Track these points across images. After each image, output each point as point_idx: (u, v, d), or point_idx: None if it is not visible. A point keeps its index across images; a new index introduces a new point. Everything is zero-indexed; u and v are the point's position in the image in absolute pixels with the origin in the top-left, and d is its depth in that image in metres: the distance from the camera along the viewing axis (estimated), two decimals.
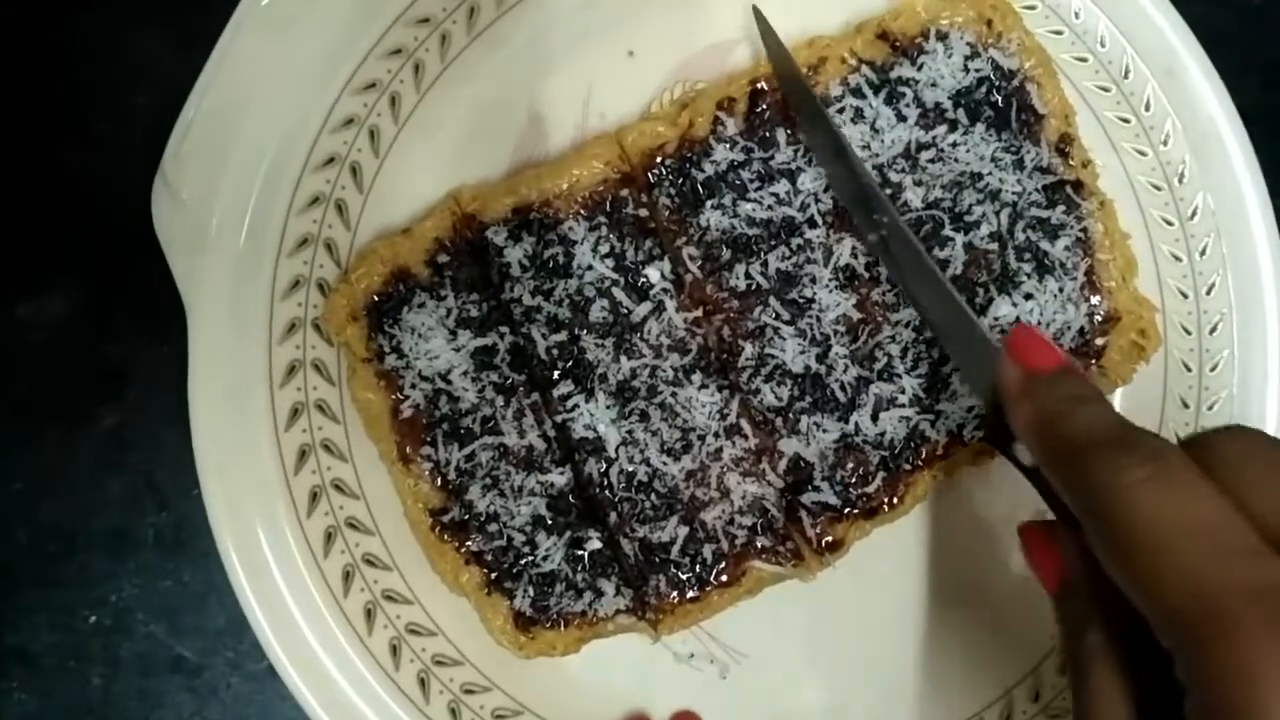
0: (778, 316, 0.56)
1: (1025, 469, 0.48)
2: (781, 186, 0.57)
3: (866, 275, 0.57)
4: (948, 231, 0.57)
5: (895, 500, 0.56)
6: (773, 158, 0.57)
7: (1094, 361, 0.57)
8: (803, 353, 0.56)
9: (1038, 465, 0.45)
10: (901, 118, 0.58)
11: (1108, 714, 0.39)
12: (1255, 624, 0.32)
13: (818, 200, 0.57)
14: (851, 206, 0.56)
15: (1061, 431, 0.42)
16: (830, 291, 0.56)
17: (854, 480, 0.56)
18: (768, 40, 0.57)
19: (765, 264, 0.56)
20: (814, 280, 0.56)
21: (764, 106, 0.57)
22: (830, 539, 0.55)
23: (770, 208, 0.57)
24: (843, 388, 0.56)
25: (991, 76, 0.58)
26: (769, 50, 0.57)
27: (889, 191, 0.57)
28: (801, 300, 0.56)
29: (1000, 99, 0.58)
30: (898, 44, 0.58)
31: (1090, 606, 0.42)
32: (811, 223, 0.57)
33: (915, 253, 0.54)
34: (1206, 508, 0.36)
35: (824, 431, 0.55)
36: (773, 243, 0.57)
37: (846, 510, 0.55)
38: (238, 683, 0.61)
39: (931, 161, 0.57)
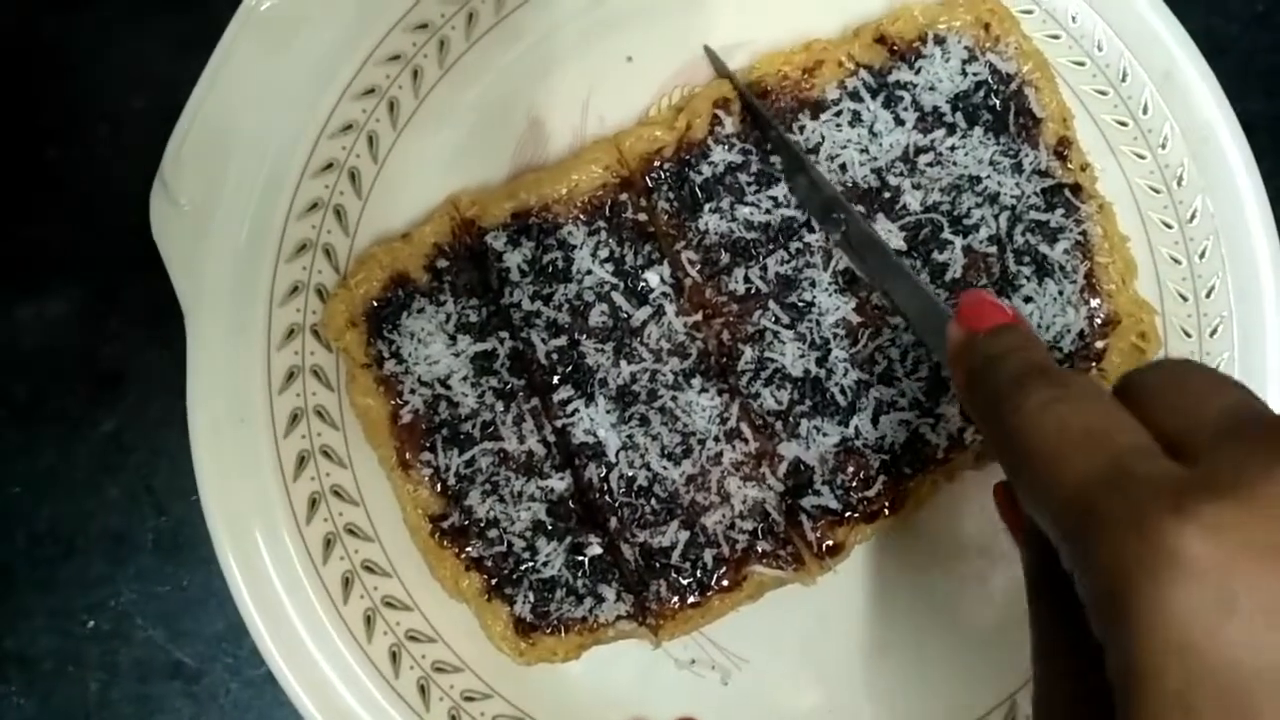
0: (777, 320, 0.56)
1: None
2: (780, 189, 0.57)
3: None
4: (947, 235, 0.57)
5: (896, 504, 0.56)
6: (770, 159, 0.57)
7: (1094, 364, 0.57)
8: (802, 356, 0.56)
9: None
10: (900, 121, 0.58)
11: (1053, 646, 0.39)
12: (1122, 513, 0.31)
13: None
14: (815, 215, 0.57)
15: (987, 380, 0.41)
16: (830, 295, 0.56)
17: (854, 484, 0.55)
18: (718, 69, 0.59)
19: (764, 268, 0.56)
20: (813, 284, 0.56)
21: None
22: (831, 543, 0.55)
23: (768, 211, 0.57)
24: (843, 391, 0.56)
25: (989, 80, 0.58)
26: (719, 74, 0.59)
27: (887, 195, 0.57)
28: (801, 304, 0.56)
29: (998, 103, 0.58)
30: (895, 48, 0.58)
31: (1046, 554, 0.40)
32: (810, 226, 0.57)
33: (875, 244, 0.54)
34: (1099, 416, 0.35)
35: (824, 435, 0.55)
36: (771, 246, 0.57)
37: (847, 514, 0.55)
38: (236, 688, 0.61)
39: (930, 165, 0.57)
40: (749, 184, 0.57)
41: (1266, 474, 0.30)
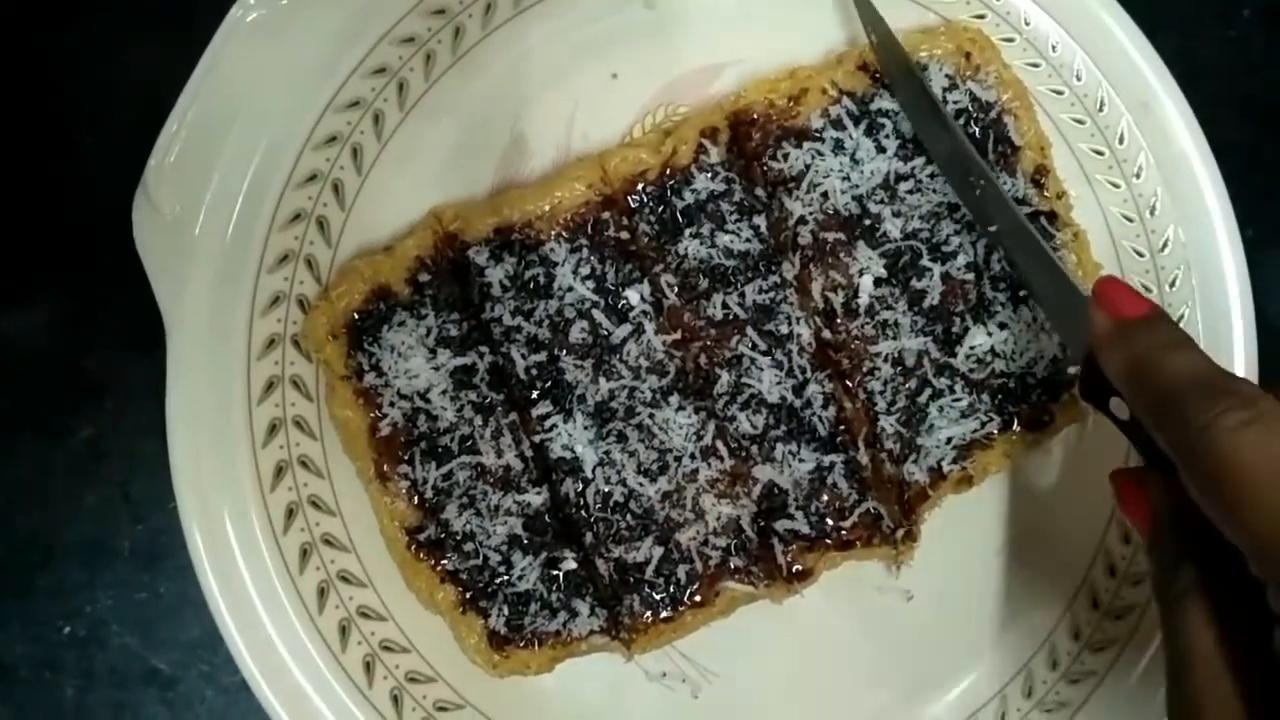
0: (754, 346, 0.57)
1: (1120, 423, 0.49)
2: (761, 220, 0.57)
3: (846, 310, 0.57)
4: (925, 262, 0.57)
5: (872, 539, 0.56)
6: (754, 189, 0.58)
7: (1066, 392, 0.58)
8: (779, 384, 0.56)
9: (1133, 417, 0.46)
10: (881, 149, 0.58)
11: (1200, 644, 0.41)
12: None
13: (797, 234, 0.57)
14: (945, 169, 0.57)
15: (1155, 377, 0.43)
16: (808, 326, 0.57)
17: (829, 511, 0.56)
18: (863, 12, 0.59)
19: (743, 295, 0.57)
20: (790, 318, 0.57)
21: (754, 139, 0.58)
22: (800, 568, 0.56)
23: (748, 240, 0.57)
24: (821, 421, 0.56)
25: (969, 108, 0.59)
26: (861, 14, 0.58)
27: (868, 222, 0.58)
28: (779, 333, 0.57)
29: (978, 130, 0.59)
30: (878, 75, 0.59)
31: (1180, 547, 0.44)
32: (790, 259, 0.57)
33: (1010, 213, 0.55)
34: None
35: (800, 461, 0.56)
36: (750, 275, 0.57)
37: (818, 540, 0.56)
38: (212, 695, 0.61)
39: (910, 192, 0.58)
40: (730, 212, 0.57)
41: None
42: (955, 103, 0.59)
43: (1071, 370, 0.58)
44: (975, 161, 0.56)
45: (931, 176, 0.58)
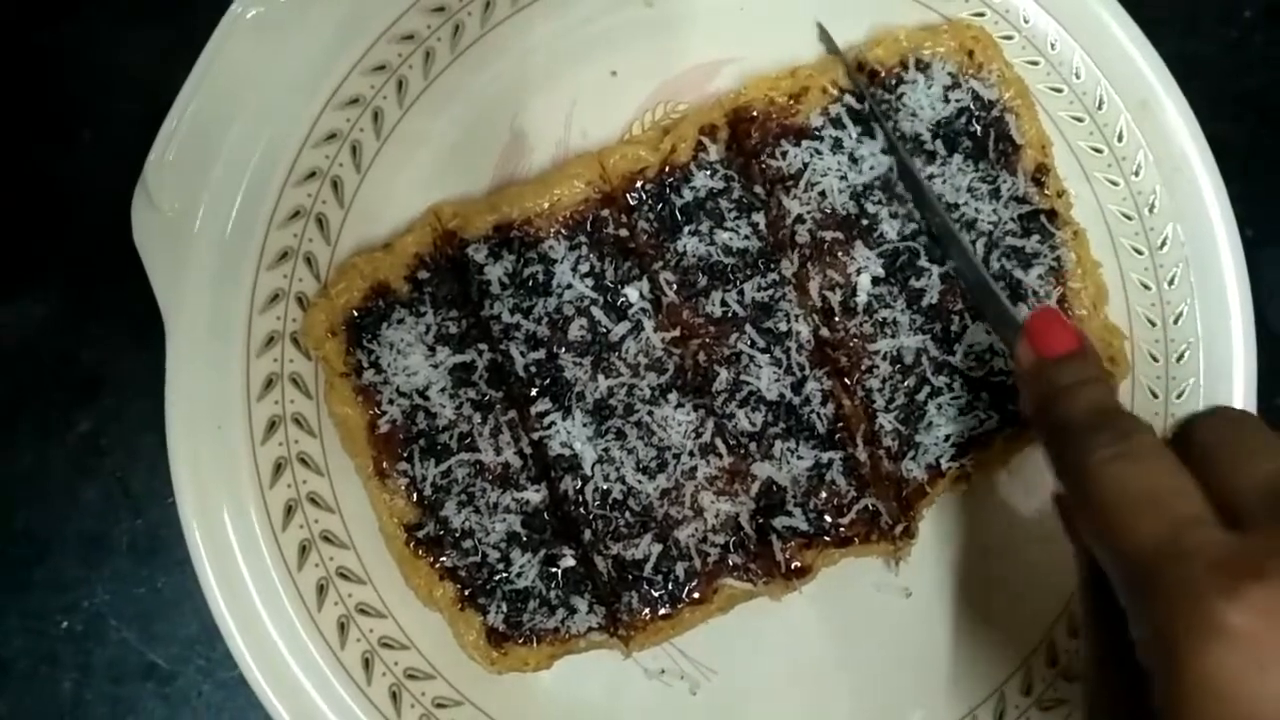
0: (753, 344, 0.57)
1: None
2: (759, 217, 0.57)
3: (844, 308, 0.57)
4: (923, 262, 0.58)
5: (871, 536, 0.57)
6: (752, 187, 0.58)
7: None
8: (777, 381, 0.56)
9: None
10: (882, 149, 0.58)
11: (1103, 657, 0.44)
12: (1176, 577, 0.36)
13: (795, 232, 0.57)
14: (916, 203, 0.58)
15: (1054, 414, 0.46)
16: (807, 324, 0.57)
17: (828, 508, 0.56)
18: (828, 47, 0.61)
19: (741, 292, 0.57)
20: (789, 315, 0.57)
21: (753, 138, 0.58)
22: (798, 564, 0.56)
23: (747, 237, 0.57)
24: (820, 418, 0.57)
25: (971, 106, 0.59)
26: (829, 51, 0.60)
27: (866, 222, 0.58)
28: (777, 331, 0.57)
29: (979, 129, 0.59)
30: (876, 74, 0.59)
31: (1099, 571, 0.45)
32: (788, 257, 0.57)
33: (951, 234, 0.56)
34: (1159, 480, 0.40)
35: (798, 458, 0.56)
36: (749, 272, 0.57)
37: (817, 537, 0.56)
38: (209, 690, 0.61)
39: (908, 192, 0.58)
40: (729, 210, 0.57)
41: None
42: (958, 101, 0.59)
43: None
44: (929, 194, 0.57)
45: (930, 178, 0.58)
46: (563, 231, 0.57)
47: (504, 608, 0.55)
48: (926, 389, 0.57)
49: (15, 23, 0.63)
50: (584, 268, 0.57)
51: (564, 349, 0.56)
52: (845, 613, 0.60)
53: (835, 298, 0.57)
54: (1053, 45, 0.61)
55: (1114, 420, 0.43)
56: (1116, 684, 0.43)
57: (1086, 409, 0.45)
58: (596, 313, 0.56)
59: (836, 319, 0.57)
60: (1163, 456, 0.41)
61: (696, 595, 0.56)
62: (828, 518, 0.56)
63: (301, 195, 0.57)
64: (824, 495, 0.56)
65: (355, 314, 0.56)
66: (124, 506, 0.62)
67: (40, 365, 0.62)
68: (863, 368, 0.57)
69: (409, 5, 0.57)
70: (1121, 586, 0.39)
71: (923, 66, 0.59)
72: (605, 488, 0.56)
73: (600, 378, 0.56)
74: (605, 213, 0.57)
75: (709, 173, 0.57)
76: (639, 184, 0.57)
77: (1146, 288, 0.62)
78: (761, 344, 0.57)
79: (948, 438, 0.57)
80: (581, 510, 0.56)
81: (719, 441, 0.56)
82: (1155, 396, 0.61)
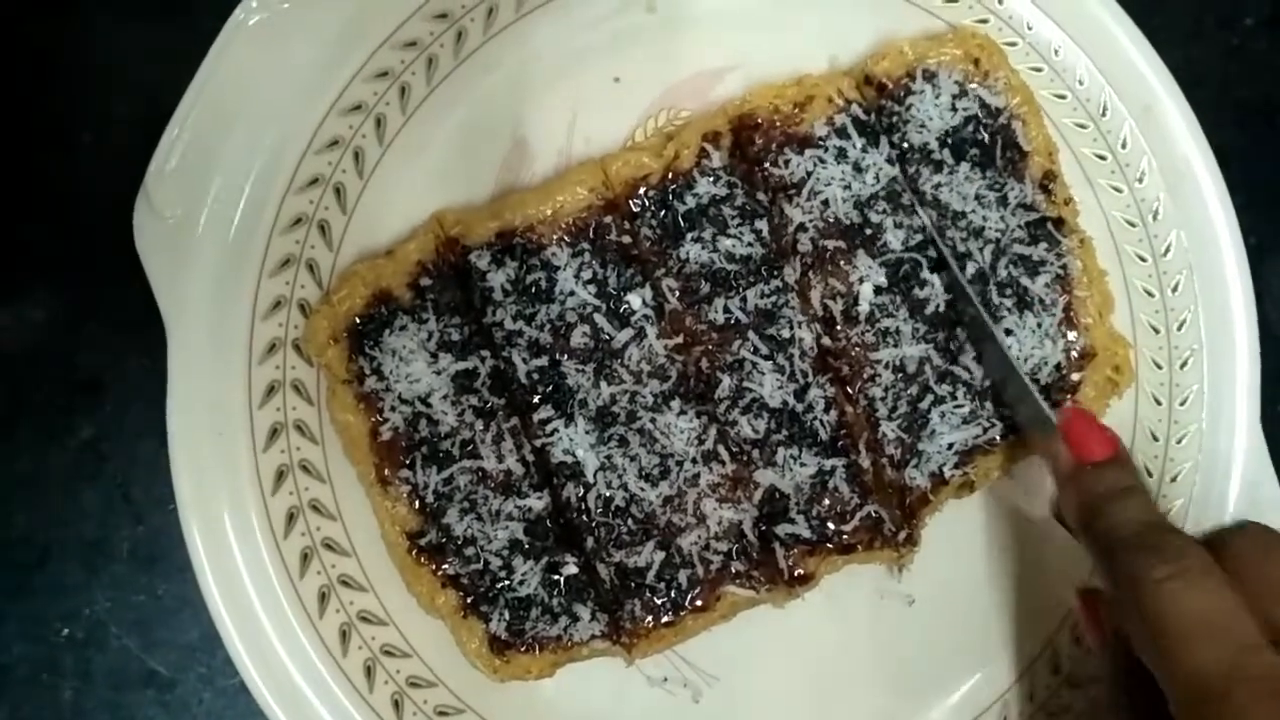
0: (756, 351, 0.56)
1: None
2: (762, 224, 0.57)
3: (846, 316, 0.57)
4: (925, 274, 0.57)
5: (874, 543, 0.56)
6: (755, 194, 0.57)
7: (1070, 396, 0.58)
8: (780, 388, 0.56)
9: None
10: (887, 160, 0.58)
11: None
12: (1241, 702, 0.40)
13: (797, 240, 0.57)
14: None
15: (1099, 523, 0.48)
16: (810, 331, 0.57)
17: (831, 516, 0.56)
18: None
19: (744, 299, 0.57)
20: (792, 323, 0.57)
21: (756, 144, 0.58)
22: (801, 572, 0.56)
23: (750, 244, 0.57)
24: (823, 425, 0.56)
25: (979, 114, 0.59)
26: None
27: (869, 232, 0.58)
28: (780, 338, 0.57)
29: (986, 136, 0.59)
30: (883, 87, 0.58)
31: (1126, 669, 0.49)
32: (791, 264, 0.57)
33: (980, 321, 0.56)
34: (1216, 604, 0.43)
35: (801, 465, 0.56)
36: (752, 279, 0.57)
37: (820, 545, 0.56)
38: (210, 698, 0.61)
39: (912, 204, 0.58)
40: (732, 217, 0.57)
41: None
42: (965, 109, 0.59)
43: (1076, 377, 0.58)
44: (963, 294, 0.57)
45: (936, 187, 0.58)
46: (565, 238, 0.57)
47: (506, 615, 0.55)
48: (930, 397, 0.57)
49: (15, 24, 0.63)
50: (586, 275, 0.57)
51: (566, 356, 0.56)
52: (848, 620, 0.60)
53: (837, 306, 0.57)
54: (1056, 52, 0.61)
55: (1164, 539, 0.46)
56: None
57: (1134, 526, 0.47)
58: (599, 319, 0.56)
59: (838, 327, 0.57)
60: (1216, 577, 0.44)
61: (699, 603, 0.56)
62: (831, 525, 0.56)
63: (304, 202, 0.57)
64: (827, 502, 0.56)
65: (357, 321, 0.56)
66: (125, 513, 0.62)
67: (41, 370, 0.62)
68: (865, 376, 0.57)
69: (412, 12, 0.57)
70: (1180, 703, 0.42)
71: (929, 76, 0.59)
72: (608, 495, 0.56)
73: (603, 385, 0.56)
74: (608, 219, 0.57)
75: (712, 179, 0.57)
76: (642, 191, 0.57)
77: (1150, 294, 0.61)
78: (764, 351, 0.56)
79: (951, 446, 0.57)
80: (584, 517, 0.56)
81: (722, 448, 0.56)
82: (1159, 404, 0.61)
